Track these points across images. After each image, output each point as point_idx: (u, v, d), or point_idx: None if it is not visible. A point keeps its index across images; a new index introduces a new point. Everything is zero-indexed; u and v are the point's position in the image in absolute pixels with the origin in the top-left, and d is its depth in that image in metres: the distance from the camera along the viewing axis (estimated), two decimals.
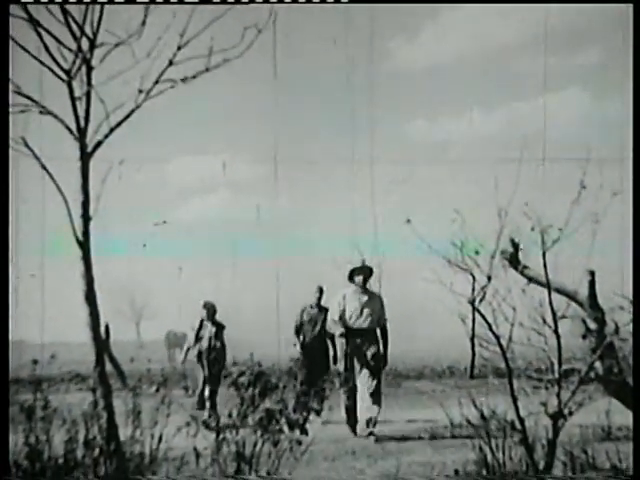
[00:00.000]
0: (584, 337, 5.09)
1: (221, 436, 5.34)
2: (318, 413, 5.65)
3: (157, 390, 9.24)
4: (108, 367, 6.91)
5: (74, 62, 5.41)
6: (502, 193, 4.87)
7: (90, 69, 5.47)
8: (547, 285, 4.89)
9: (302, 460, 5.46)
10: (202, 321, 9.64)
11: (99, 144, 5.55)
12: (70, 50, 5.41)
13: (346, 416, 8.13)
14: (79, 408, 5.40)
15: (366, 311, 8.18)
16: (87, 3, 5.38)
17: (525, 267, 5.30)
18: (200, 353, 9.54)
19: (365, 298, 8.21)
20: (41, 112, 5.47)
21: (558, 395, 4.80)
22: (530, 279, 5.20)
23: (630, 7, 5.26)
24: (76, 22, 5.39)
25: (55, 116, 5.45)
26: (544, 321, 4.87)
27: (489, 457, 5.81)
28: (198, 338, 9.63)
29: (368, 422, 7.92)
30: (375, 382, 8.08)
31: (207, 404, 9.18)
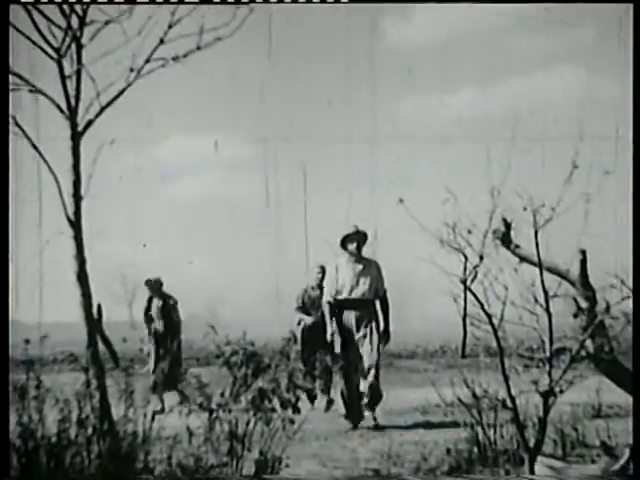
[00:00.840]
0: (575, 316, 5.11)
1: (214, 415, 5.37)
2: (310, 392, 5.66)
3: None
4: (101, 347, 6.92)
5: (64, 40, 5.36)
6: (495, 172, 4.87)
7: (80, 47, 5.43)
8: (539, 264, 4.90)
9: (295, 439, 5.49)
10: (150, 298, 9.22)
11: (90, 123, 5.52)
12: (60, 28, 5.36)
13: (343, 404, 7.45)
14: (72, 388, 5.41)
15: (362, 280, 7.60)
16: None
17: (517, 246, 5.31)
18: (154, 332, 9.10)
19: (360, 267, 7.62)
20: (31, 91, 5.43)
21: (549, 373, 4.82)
22: (522, 258, 5.21)
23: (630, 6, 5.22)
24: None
25: (45, 95, 5.41)
26: (536, 300, 4.89)
27: (480, 435, 5.86)
28: (149, 317, 9.15)
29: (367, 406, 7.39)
30: (374, 360, 7.43)
31: (158, 388, 8.44)
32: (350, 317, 7.58)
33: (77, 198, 5.48)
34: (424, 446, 6.43)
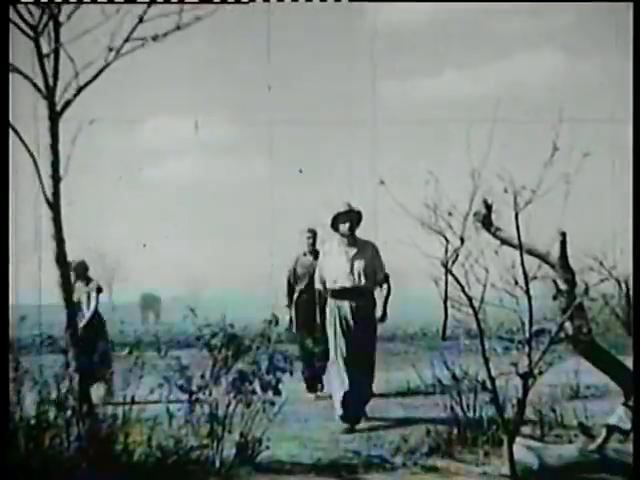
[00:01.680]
0: (555, 298, 5.14)
1: (194, 397, 5.36)
2: (287, 372, 5.59)
3: (130, 352, 9.23)
4: None
5: (41, 17, 5.27)
6: (475, 154, 4.87)
7: (58, 25, 5.34)
8: (519, 247, 4.91)
9: (275, 420, 5.49)
10: (73, 282, 7.28)
11: (68, 103, 5.44)
12: (37, 5, 5.27)
13: (340, 404, 6.57)
14: (51, 370, 5.39)
15: (357, 266, 6.60)
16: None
17: (498, 229, 5.32)
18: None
19: (354, 250, 6.64)
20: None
21: (529, 355, 4.85)
22: (502, 241, 5.23)
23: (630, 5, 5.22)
24: None
25: (22, 74, 5.33)
26: (516, 282, 4.91)
27: (460, 417, 5.90)
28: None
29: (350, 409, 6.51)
30: (367, 358, 6.57)
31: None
32: (345, 308, 6.62)
33: (55, 179, 5.42)
34: (404, 427, 6.47)
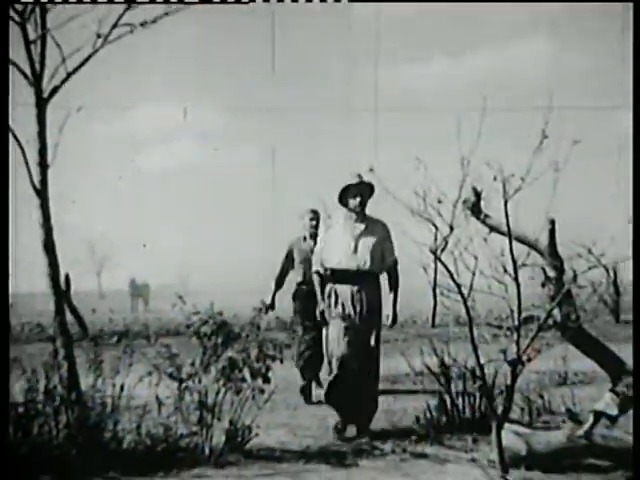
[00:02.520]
0: (543, 285, 5.15)
1: (184, 385, 5.36)
2: (276, 360, 5.57)
3: (119, 340, 9.22)
4: (69, 317, 6.85)
5: (27, 3, 5.23)
6: (465, 142, 4.87)
7: (45, 11, 5.30)
8: (508, 234, 4.92)
9: (264, 408, 5.50)
10: None
11: (55, 90, 5.41)
12: None
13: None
14: (39, 358, 5.37)
15: (363, 244, 5.76)
16: None
17: (487, 216, 5.33)
18: None
19: (361, 228, 5.80)
20: None
21: (517, 342, 4.87)
22: (492, 228, 5.23)
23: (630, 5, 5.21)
24: None
25: (8, 60, 5.28)
26: (505, 270, 4.92)
27: (449, 403, 5.92)
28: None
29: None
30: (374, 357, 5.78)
31: None
32: (345, 293, 5.78)
33: (43, 166, 5.39)
34: (393, 414, 6.49)
